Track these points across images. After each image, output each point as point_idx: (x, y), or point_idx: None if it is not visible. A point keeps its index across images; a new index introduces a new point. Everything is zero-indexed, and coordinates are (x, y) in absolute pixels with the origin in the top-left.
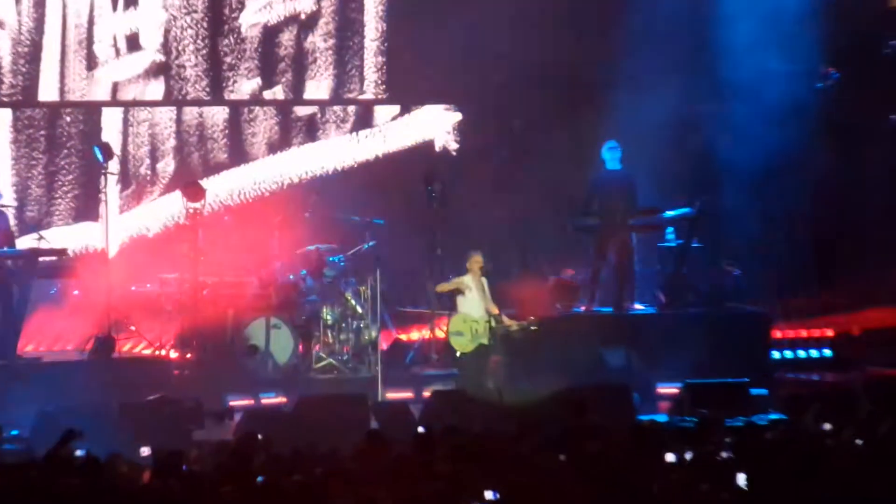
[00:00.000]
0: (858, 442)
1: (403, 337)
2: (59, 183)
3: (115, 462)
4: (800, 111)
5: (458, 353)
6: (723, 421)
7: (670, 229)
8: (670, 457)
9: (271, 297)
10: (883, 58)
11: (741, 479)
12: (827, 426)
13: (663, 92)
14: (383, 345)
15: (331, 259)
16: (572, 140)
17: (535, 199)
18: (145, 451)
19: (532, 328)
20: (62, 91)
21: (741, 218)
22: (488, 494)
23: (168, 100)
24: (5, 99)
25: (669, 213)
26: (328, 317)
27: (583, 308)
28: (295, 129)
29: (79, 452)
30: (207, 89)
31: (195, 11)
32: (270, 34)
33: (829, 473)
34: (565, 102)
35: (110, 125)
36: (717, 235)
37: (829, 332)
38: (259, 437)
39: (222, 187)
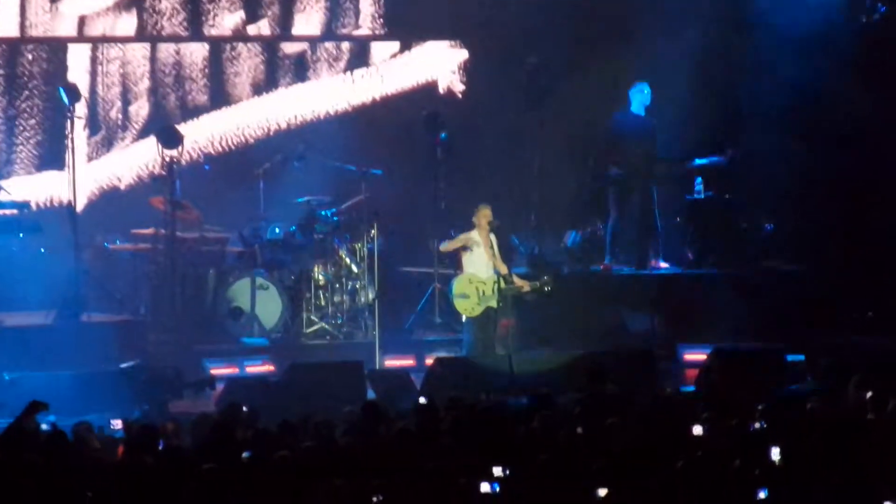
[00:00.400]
0: None
1: None
2: (21, 128)
3: (85, 436)
4: (836, 49)
5: (463, 317)
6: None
7: (699, 180)
8: (697, 430)
9: (256, 254)
10: None
11: (775, 453)
12: (870, 396)
13: (692, 26)
14: None
15: (323, 213)
16: (592, 81)
17: (550, 147)
18: (117, 423)
19: (546, 289)
20: (23, 26)
21: (774, 167)
22: (497, 472)
23: (141, 35)
24: None
25: (699, 162)
26: (320, 276)
27: (602, 267)
28: (282, 68)
29: (44, 426)
30: (185, 24)
31: None
32: None
33: (872, 448)
34: (586, 38)
35: (77, 64)
36: (750, 187)
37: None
38: (244, 408)
39: (202, 132)
